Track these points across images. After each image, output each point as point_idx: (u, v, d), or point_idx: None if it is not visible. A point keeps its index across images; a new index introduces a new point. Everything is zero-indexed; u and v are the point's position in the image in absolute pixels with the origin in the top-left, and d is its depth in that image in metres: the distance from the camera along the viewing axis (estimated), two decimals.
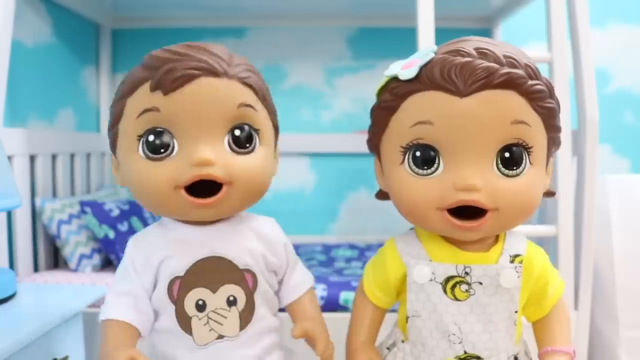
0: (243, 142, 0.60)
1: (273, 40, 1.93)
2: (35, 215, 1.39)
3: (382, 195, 0.66)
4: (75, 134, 1.67)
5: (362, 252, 1.73)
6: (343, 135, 1.94)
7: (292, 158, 1.96)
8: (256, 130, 0.61)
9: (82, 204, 1.39)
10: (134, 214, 1.48)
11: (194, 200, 0.57)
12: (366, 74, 1.94)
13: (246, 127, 0.60)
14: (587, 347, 1.25)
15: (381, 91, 0.60)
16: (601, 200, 1.35)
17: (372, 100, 0.62)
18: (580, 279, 1.22)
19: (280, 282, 0.70)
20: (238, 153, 0.60)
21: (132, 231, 1.42)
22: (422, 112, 0.55)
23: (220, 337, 0.62)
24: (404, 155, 0.57)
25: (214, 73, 0.57)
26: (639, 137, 1.90)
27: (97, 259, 1.42)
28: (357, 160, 1.93)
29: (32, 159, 1.40)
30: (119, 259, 1.37)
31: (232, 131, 0.60)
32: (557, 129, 0.58)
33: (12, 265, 1.31)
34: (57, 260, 1.50)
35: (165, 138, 0.58)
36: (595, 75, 1.22)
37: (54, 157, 1.50)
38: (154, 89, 0.57)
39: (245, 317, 0.63)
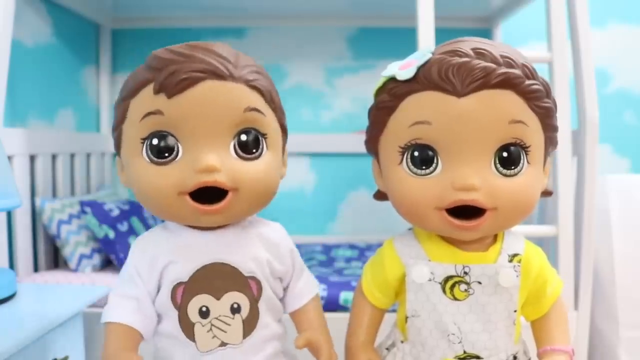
0: (249, 147, 0.58)
1: (273, 40, 1.94)
2: (35, 215, 1.39)
3: (380, 195, 0.66)
4: (75, 134, 1.68)
5: (362, 252, 1.73)
6: (343, 135, 1.94)
7: (292, 158, 1.95)
8: (263, 135, 0.59)
9: (82, 204, 1.39)
10: (134, 214, 1.48)
11: (199, 206, 0.56)
12: (366, 74, 1.94)
13: (253, 132, 0.58)
14: (587, 347, 1.25)
15: (379, 92, 0.60)
16: (601, 200, 1.35)
17: (372, 100, 0.62)
18: (580, 279, 1.22)
19: (285, 289, 0.69)
20: (244, 159, 0.58)
21: (132, 231, 1.42)
22: (419, 112, 0.55)
23: (223, 344, 0.61)
24: (402, 155, 0.57)
25: (219, 76, 0.56)
26: (639, 137, 1.90)
27: (97, 259, 1.42)
28: (357, 160, 1.93)
29: (32, 159, 1.40)
30: (119, 259, 1.37)
31: (238, 136, 0.58)
32: (554, 129, 0.59)
33: (12, 265, 1.31)
34: (57, 260, 1.50)
35: (170, 142, 0.56)
36: (595, 75, 1.22)
37: (54, 157, 1.51)
38: (157, 91, 0.55)
39: (249, 325, 0.62)
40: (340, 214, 1.98)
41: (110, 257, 1.41)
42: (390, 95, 0.58)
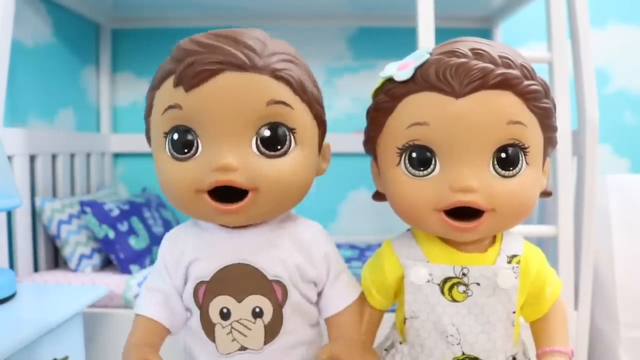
0: (273, 143, 0.54)
1: None
2: (35, 215, 1.39)
3: (378, 196, 0.66)
4: (75, 134, 1.68)
5: (362, 252, 1.73)
6: (343, 135, 1.93)
7: None
8: (291, 130, 0.55)
9: (82, 204, 1.39)
10: (134, 214, 1.48)
11: (216, 205, 0.54)
12: (366, 73, 1.94)
13: (278, 127, 0.55)
14: (587, 347, 1.25)
15: (377, 92, 0.60)
16: (601, 200, 1.35)
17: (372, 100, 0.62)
18: (580, 279, 1.22)
19: (319, 294, 0.64)
20: (268, 156, 0.54)
21: (132, 231, 1.42)
22: (417, 113, 0.55)
23: (243, 348, 0.59)
24: (400, 156, 0.57)
25: (239, 67, 0.52)
26: (639, 137, 1.90)
27: (97, 259, 1.42)
28: (357, 160, 1.92)
29: (32, 159, 1.40)
30: (119, 259, 1.37)
31: (261, 131, 0.54)
32: (554, 129, 0.58)
33: (12, 265, 1.31)
34: (57, 260, 1.50)
35: (189, 137, 0.54)
36: (595, 75, 1.22)
37: (54, 157, 1.51)
38: (175, 84, 0.53)
39: (272, 331, 0.59)
40: (340, 214, 1.98)
41: (110, 257, 1.41)
42: (388, 96, 0.57)
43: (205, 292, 0.59)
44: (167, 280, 0.61)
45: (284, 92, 0.54)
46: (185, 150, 0.54)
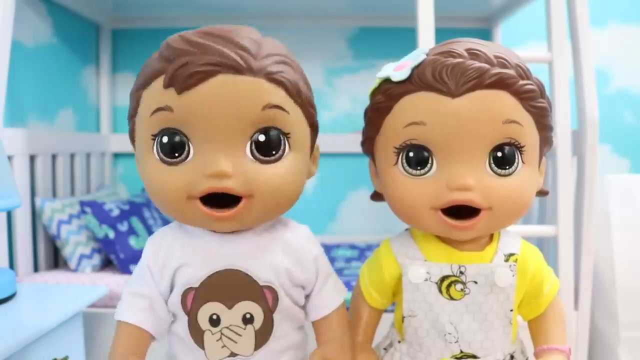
0: (268, 148, 0.52)
1: None
2: (35, 215, 1.40)
3: (376, 196, 0.67)
4: (75, 134, 1.68)
5: (362, 252, 1.73)
6: (343, 135, 1.94)
7: None
8: (286, 135, 0.53)
9: (82, 204, 1.39)
10: (134, 214, 1.48)
11: (209, 212, 0.52)
12: (366, 73, 1.94)
13: (273, 132, 0.53)
14: (587, 347, 1.25)
15: (374, 93, 0.61)
16: (601, 200, 1.35)
17: None
18: (580, 279, 1.22)
19: (307, 297, 0.63)
20: (262, 162, 0.52)
21: (132, 231, 1.42)
22: (414, 113, 0.55)
23: (233, 354, 0.57)
24: (398, 156, 0.57)
25: (234, 69, 0.50)
26: (639, 137, 1.90)
27: (97, 259, 1.42)
28: (357, 160, 1.93)
29: (32, 159, 1.40)
30: (119, 259, 1.37)
31: (255, 136, 0.52)
32: (549, 128, 0.59)
33: (12, 265, 1.31)
34: (57, 260, 1.50)
35: (180, 140, 0.52)
36: (595, 75, 1.22)
37: (54, 157, 1.51)
38: (167, 85, 0.50)
39: (262, 337, 0.58)
40: (340, 214, 1.98)
41: (110, 257, 1.41)
42: (385, 97, 0.58)
43: (194, 298, 0.57)
44: (151, 285, 0.58)
45: (279, 96, 0.52)
46: (176, 154, 0.52)
